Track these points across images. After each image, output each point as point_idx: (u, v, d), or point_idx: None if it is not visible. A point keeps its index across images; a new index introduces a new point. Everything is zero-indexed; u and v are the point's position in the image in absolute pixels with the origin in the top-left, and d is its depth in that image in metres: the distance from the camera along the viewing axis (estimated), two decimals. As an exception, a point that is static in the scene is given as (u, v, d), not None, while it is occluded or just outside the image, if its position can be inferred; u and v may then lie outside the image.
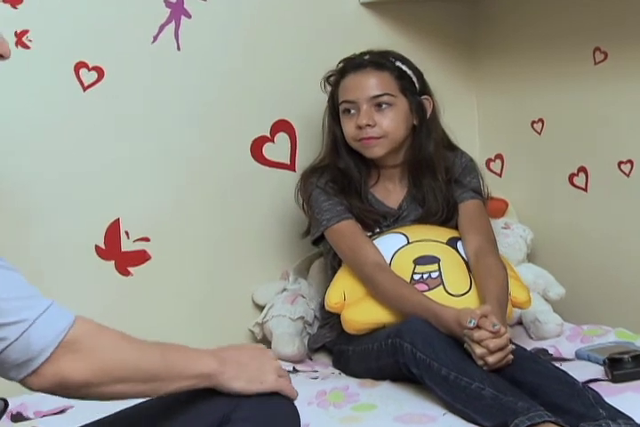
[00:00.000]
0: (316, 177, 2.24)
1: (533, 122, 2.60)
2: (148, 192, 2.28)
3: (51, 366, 1.19)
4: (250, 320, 2.39)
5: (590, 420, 1.69)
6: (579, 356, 2.13)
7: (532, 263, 2.52)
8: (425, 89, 2.26)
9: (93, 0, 2.19)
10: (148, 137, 2.27)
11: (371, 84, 2.18)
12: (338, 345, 2.20)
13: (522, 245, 2.50)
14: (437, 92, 2.28)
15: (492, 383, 1.77)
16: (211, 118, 2.35)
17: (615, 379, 1.92)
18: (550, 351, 2.20)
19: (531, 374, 1.83)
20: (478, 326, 1.81)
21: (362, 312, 2.09)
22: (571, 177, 2.52)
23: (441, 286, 2.06)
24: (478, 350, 1.80)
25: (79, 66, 2.16)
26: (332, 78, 2.27)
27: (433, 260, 2.11)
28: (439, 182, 2.22)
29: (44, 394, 1.26)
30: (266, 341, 2.33)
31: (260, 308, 2.41)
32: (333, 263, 2.26)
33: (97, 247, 2.22)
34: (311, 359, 2.31)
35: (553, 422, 1.66)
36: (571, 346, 2.21)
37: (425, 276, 2.08)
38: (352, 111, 2.19)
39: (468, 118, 2.75)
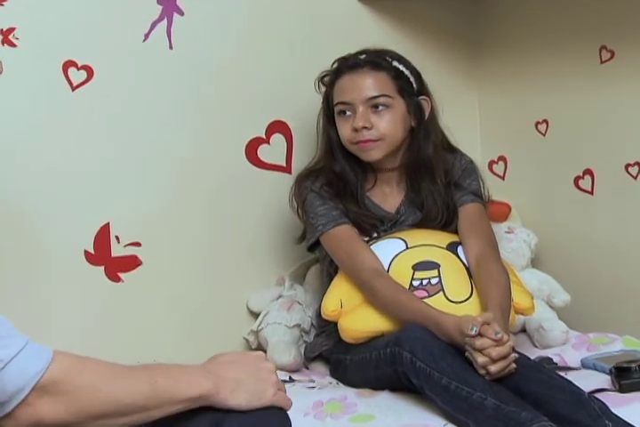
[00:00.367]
0: (311, 181, 2.24)
1: (537, 123, 2.60)
2: (139, 195, 2.28)
3: (26, 409, 1.16)
4: (244, 328, 2.39)
5: (596, 431, 1.69)
6: (584, 365, 2.13)
7: (536, 269, 2.52)
8: (423, 89, 2.25)
9: (82, -3, 2.19)
10: (139, 138, 2.27)
11: (367, 84, 2.18)
12: (335, 354, 2.20)
13: (525, 250, 2.50)
14: (437, 91, 2.28)
15: (495, 393, 1.76)
16: (204, 119, 2.35)
17: (622, 389, 1.91)
18: (555, 360, 2.19)
19: (534, 384, 1.82)
20: (480, 334, 1.81)
21: (359, 320, 2.08)
22: (576, 180, 2.52)
23: (441, 293, 2.06)
24: (480, 359, 1.80)
25: (68, 65, 2.16)
26: (326, 79, 2.27)
27: (432, 265, 2.11)
28: (438, 186, 2.22)
29: None
30: (261, 349, 2.32)
31: (255, 315, 2.40)
32: (330, 270, 2.26)
33: (86, 252, 2.21)
34: (308, 368, 2.31)
35: (557, 434, 1.67)
36: (576, 354, 2.21)
37: (424, 282, 2.08)
38: (348, 113, 2.19)
39: (470, 119, 2.75)
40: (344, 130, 2.20)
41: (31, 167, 2.15)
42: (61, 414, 1.18)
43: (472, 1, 2.72)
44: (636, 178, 2.37)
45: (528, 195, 2.65)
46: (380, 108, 2.17)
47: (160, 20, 2.27)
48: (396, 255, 2.13)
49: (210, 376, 1.29)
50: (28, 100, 2.14)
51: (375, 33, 2.53)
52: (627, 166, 2.39)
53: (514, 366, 1.83)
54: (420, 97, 2.23)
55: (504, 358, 1.81)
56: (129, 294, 2.27)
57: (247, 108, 2.41)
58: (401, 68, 2.22)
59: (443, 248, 2.16)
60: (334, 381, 2.17)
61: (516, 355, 1.85)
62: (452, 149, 2.30)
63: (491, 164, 2.73)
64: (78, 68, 2.17)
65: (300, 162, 2.39)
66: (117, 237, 2.24)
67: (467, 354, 1.84)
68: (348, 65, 2.22)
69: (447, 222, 2.23)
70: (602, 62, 2.40)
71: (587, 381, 1.95)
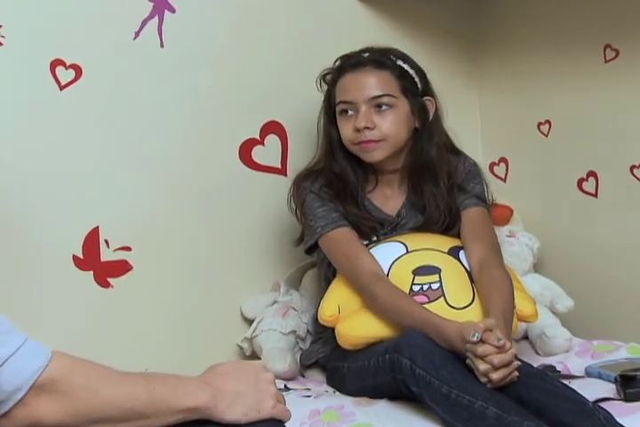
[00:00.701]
0: (310, 181, 2.24)
1: (540, 123, 2.60)
2: (130, 198, 2.27)
3: (23, 408, 1.17)
4: (238, 335, 2.39)
5: (601, 441, 1.69)
6: (589, 373, 2.13)
7: (539, 274, 2.52)
8: (427, 90, 2.26)
9: (71, -7, 2.19)
10: (129, 139, 2.27)
11: (370, 83, 2.18)
12: (332, 361, 2.20)
13: (527, 254, 2.50)
14: (436, 91, 2.28)
15: (496, 402, 1.76)
16: (196, 119, 2.35)
17: (628, 398, 1.91)
18: (558, 368, 2.19)
19: (537, 393, 1.82)
20: (482, 341, 1.81)
21: (357, 326, 2.08)
22: (580, 182, 2.52)
23: (442, 298, 2.06)
24: (482, 366, 1.80)
25: (55, 64, 2.16)
26: (328, 77, 2.27)
27: (433, 270, 2.10)
28: (441, 189, 2.22)
29: None
30: (255, 357, 2.33)
31: (249, 321, 2.40)
32: (328, 274, 2.26)
33: (74, 257, 2.21)
34: (303, 376, 2.31)
35: (561, 444, 1.67)
36: (580, 362, 2.21)
37: (425, 287, 2.08)
38: (350, 112, 2.19)
39: (470, 119, 2.75)
40: (345, 130, 2.20)
41: (17, 168, 2.14)
42: (59, 415, 1.18)
43: (473, -1, 2.73)
44: (641, 180, 2.38)
45: (530, 197, 2.66)
46: (383, 107, 2.17)
47: (151, 17, 2.26)
48: (396, 259, 2.13)
49: (207, 388, 1.29)
50: (15, 100, 2.13)
51: (373, 31, 2.53)
52: (632, 168, 2.39)
53: (516, 374, 1.83)
54: (425, 97, 2.23)
55: (506, 365, 1.80)
56: (119, 300, 2.26)
57: (241, 108, 2.41)
58: (405, 67, 2.22)
59: (444, 252, 2.16)
60: (331, 389, 2.17)
61: (519, 363, 1.84)
62: (456, 152, 2.30)
63: (492, 165, 2.73)
64: (66, 67, 2.17)
65: (296, 164, 2.39)
66: (107, 242, 2.24)
67: (468, 361, 1.84)
68: (350, 63, 2.22)
69: (449, 226, 2.23)
70: (606, 61, 2.40)
71: (591, 389, 1.95)
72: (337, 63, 2.26)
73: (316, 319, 2.23)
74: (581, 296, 2.45)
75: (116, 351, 2.21)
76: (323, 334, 2.25)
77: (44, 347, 1.20)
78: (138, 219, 2.28)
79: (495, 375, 1.79)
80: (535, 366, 2.03)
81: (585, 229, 2.53)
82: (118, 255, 2.26)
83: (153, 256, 2.30)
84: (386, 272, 2.11)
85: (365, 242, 2.21)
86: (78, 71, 2.18)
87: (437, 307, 2.02)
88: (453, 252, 2.16)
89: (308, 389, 2.17)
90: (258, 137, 2.44)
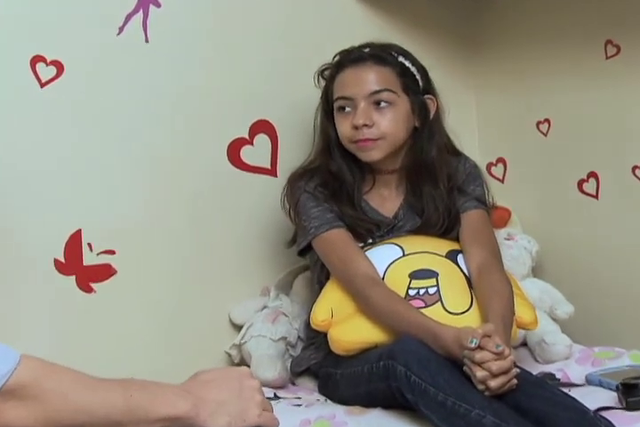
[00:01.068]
0: (305, 181, 2.24)
1: (539, 122, 2.60)
2: (114, 200, 2.27)
3: None
4: (226, 341, 2.39)
5: (602, 451, 1.70)
6: (589, 381, 2.13)
7: (538, 278, 2.52)
8: (429, 88, 2.26)
9: (52, -13, 2.19)
10: (113, 139, 2.26)
11: (370, 79, 2.18)
12: (324, 368, 2.20)
13: (526, 258, 2.50)
14: (433, 90, 2.29)
15: (494, 411, 1.76)
16: (183, 118, 2.35)
17: (629, 407, 1.91)
18: (558, 376, 2.19)
19: (536, 401, 1.82)
20: (480, 347, 1.81)
21: (351, 331, 2.08)
22: (580, 183, 2.52)
23: (439, 303, 2.06)
24: (479, 374, 1.79)
25: (36, 60, 2.15)
26: (326, 72, 2.27)
27: (430, 274, 2.10)
28: (440, 190, 2.23)
29: None
30: (244, 364, 2.31)
31: (238, 327, 2.40)
32: (321, 277, 2.25)
33: (56, 261, 2.20)
34: (294, 384, 2.31)
35: (561, 454, 1.67)
36: (580, 370, 2.21)
37: (421, 291, 2.08)
38: (348, 109, 2.19)
39: (467, 118, 2.75)
40: (343, 127, 2.20)
41: (-4, 170, 2.14)
42: (30, 421, 1.17)
43: (469, -6, 2.74)
44: (643, 181, 2.39)
45: (529, 199, 2.66)
46: (383, 104, 2.17)
47: (135, 12, 2.26)
48: (392, 262, 2.13)
49: (189, 397, 1.28)
50: (-6, 98, 2.13)
51: (368, 29, 2.53)
52: (634, 168, 2.39)
53: (515, 381, 1.83)
54: (426, 96, 2.24)
55: (505, 372, 1.80)
56: (102, 305, 2.26)
57: (229, 106, 2.40)
58: (407, 64, 2.22)
59: (442, 256, 2.16)
60: (322, 397, 2.18)
61: (518, 370, 1.84)
62: (457, 153, 2.31)
63: (489, 166, 2.73)
64: (47, 64, 2.16)
65: (286, 164, 2.39)
66: (90, 245, 2.23)
67: (465, 368, 1.84)
68: (350, 58, 2.22)
69: (448, 229, 2.24)
70: (607, 58, 2.41)
71: (592, 398, 1.95)
72: (336, 58, 2.26)
73: (307, 324, 2.23)
74: (582, 301, 2.45)
75: (100, 359, 2.20)
76: (315, 339, 2.25)
77: (12, 350, 1.19)
78: (122, 221, 2.27)
79: (493, 383, 1.79)
80: (534, 373, 2.03)
81: (585, 231, 2.54)
82: (102, 259, 2.25)
83: (138, 260, 2.30)
84: (381, 276, 2.11)
85: (361, 244, 2.21)
86: (59, 68, 2.17)
87: (434, 312, 2.02)
88: (451, 255, 2.16)
89: (299, 397, 2.16)
90: (247, 136, 2.43)
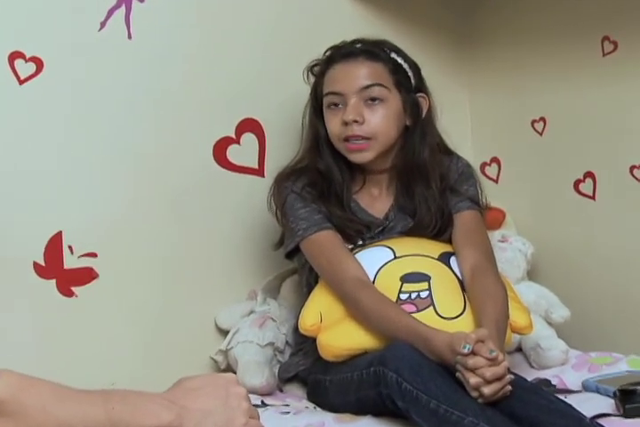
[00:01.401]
0: (292, 181, 2.24)
1: (534, 121, 2.61)
2: (95, 201, 2.26)
3: None
4: (212, 347, 2.38)
5: (599, 460, 1.70)
6: (586, 387, 2.13)
7: (533, 281, 2.53)
8: (421, 86, 2.26)
9: (30, -19, 2.18)
10: (95, 138, 2.25)
11: (361, 74, 2.18)
12: (313, 374, 2.19)
13: (521, 260, 2.50)
14: (425, 88, 2.29)
15: (488, 418, 1.76)
16: (167, 117, 2.34)
17: (627, 414, 1.91)
18: (554, 382, 2.20)
19: (532, 408, 1.82)
20: (473, 353, 1.81)
21: (341, 336, 2.08)
22: (576, 183, 2.53)
23: (431, 308, 2.06)
24: (473, 380, 1.79)
25: (14, 56, 2.14)
26: (316, 68, 2.27)
27: (422, 277, 2.10)
28: (433, 191, 2.23)
29: None
30: (230, 370, 2.31)
31: (224, 333, 2.40)
32: (310, 280, 2.25)
33: (35, 264, 2.19)
34: (282, 391, 2.31)
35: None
36: (577, 376, 2.22)
37: (413, 295, 2.08)
38: (339, 105, 2.19)
39: (460, 117, 2.76)
40: (333, 124, 2.20)
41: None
42: None
43: (462, -10, 2.74)
44: (641, 181, 2.39)
45: (524, 200, 2.66)
46: (374, 101, 2.17)
47: (117, 6, 2.26)
48: (383, 265, 2.13)
49: (173, 407, 1.28)
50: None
51: (359, 24, 2.53)
52: (631, 168, 2.40)
53: (509, 388, 1.82)
54: (418, 94, 2.24)
55: (499, 379, 1.80)
56: (83, 310, 2.25)
57: (215, 104, 2.40)
58: (399, 60, 2.23)
59: (434, 259, 2.16)
60: (311, 405, 2.18)
61: (512, 376, 1.84)
62: (449, 152, 2.31)
63: (483, 166, 2.74)
64: (26, 60, 2.16)
65: (274, 164, 2.38)
66: (70, 247, 2.23)
67: (458, 375, 1.84)
68: (341, 53, 2.22)
69: (440, 231, 2.24)
70: (604, 55, 2.41)
71: (588, 405, 1.95)
72: (327, 53, 2.26)
73: (295, 329, 2.22)
74: (578, 305, 2.45)
75: (81, 366, 2.21)
76: (303, 344, 2.25)
77: None
78: (104, 223, 2.27)
79: (487, 390, 1.79)
80: (529, 379, 2.04)
81: (582, 233, 2.54)
82: (83, 262, 2.25)
83: (120, 263, 2.29)
84: (372, 279, 2.11)
85: (350, 246, 2.21)
86: (39, 64, 2.17)
87: (426, 317, 2.02)
88: (444, 258, 2.17)
89: (287, 404, 2.16)
90: (233, 135, 2.43)
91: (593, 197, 2.50)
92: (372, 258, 2.15)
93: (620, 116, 2.41)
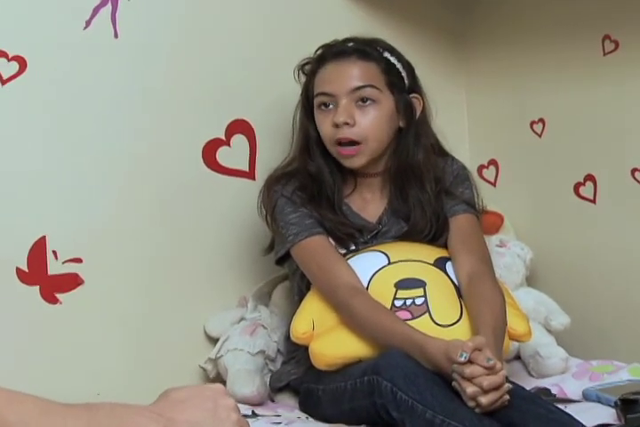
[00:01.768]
0: (282, 184, 2.24)
1: (533, 122, 2.61)
2: (81, 204, 2.26)
3: None
4: (201, 355, 2.38)
5: (601, 471, 1.70)
6: (587, 396, 2.14)
7: (532, 287, 2.53)
8: (415, 86, 2.26)
9: (14, -22, 2.18)
10: (80, 139, 2.25)
11: (353, 74, 2.18)
12: (305, 384, 2.19)
13: (519, 266, 2.51)
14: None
15: (486, 429, 1.76)
16: (154, 118, 2.34)
17: (629, 423, 1.92)
18: (553, 391, 2.20)
19: (530, 418, 1.81)
20: (470, 361, 1.80)
21: (333, 344, 2.07)
22: (576, 187, 2.53)
23: (427, 315, 2.05)
24: (469, 389, 1.79)
25: (-3, 55, 2.15)
26: (307, 67, 2.27)
27: (418, 283, 2.10)
28: (427, 194, 2.23)
29: None
30: (220, 379, 2.31)
31: (214, 341, 2.39)
32: (301, 286, 2.25)
33: (18, 270, 2.19)
34: (273, 401, 2.31)
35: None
36: (577, 385, 2.22)
37: (408, 302, 2.08)
38: (329, 105, 2.19)
39: (457, 118, 2.76)
40: (324, 125, 2.20)
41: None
42: None
43: (459, -11, 2.74)
44: (642, 184, 2.39)
45: (522, 204, 2.66)
46: (365, 102, 2.17)
47: (103, 4, 2.25)
48: (377, 271, 2.13)
49: (160, 419, 1.27)
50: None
51: (352, 23, 2.53)
52: (633, 171, 2.40)
53: (507, 397, 1.82)
54: (412, 95, 2.24)
55: (496, 388, 1.80)
56: (68, 317, 2.24)
57: (204, 105, 2.40)
58: (392, 60, 2.23)
59: (429, 264, 2.15)
60: (303, 415, 2.17)
61: (510, 385, 1.84)
62: (444, 153, 2.31)
63: (480, 168, 2.74)
64: (9, 59, 2.15)
65: (265, 167, 2.38)
66: (55, 253, 2.22)
67: (454, 384, 1.83)
68: (333, 52, 2.22)
69: (436, 235, 2.24)
70: (605, 54, 2.42)
71: (589, 414, 1.95)
72: (318, 52, 2.26)
73: (287, 337, 2.22)
74: (578, 312, 2.45)
75: (66, 375, 2.20)
76: (295, 353, 2.25)
77: None
78: (89, 228, 2.26)
79: (484, 399, 1.79)
80: (528, 388, 2.03)
81: (582, 237, 2.54)
82: (68, 268, 2.24)
83: (106, 269, 2.29)
84: (365, 285, 2.11)
85: (343, 251, 2.20)
86: (22, 64, 2.16)
87: (422, 324, 2.01)
88: (440, 263, 2.16)
89: (279, 415, 2.16)
90: (223, 137, 2.43)
91: (594, 201, 2.50)
92: (366, 263, 2.15)
93: (622, 118, 2.41)
